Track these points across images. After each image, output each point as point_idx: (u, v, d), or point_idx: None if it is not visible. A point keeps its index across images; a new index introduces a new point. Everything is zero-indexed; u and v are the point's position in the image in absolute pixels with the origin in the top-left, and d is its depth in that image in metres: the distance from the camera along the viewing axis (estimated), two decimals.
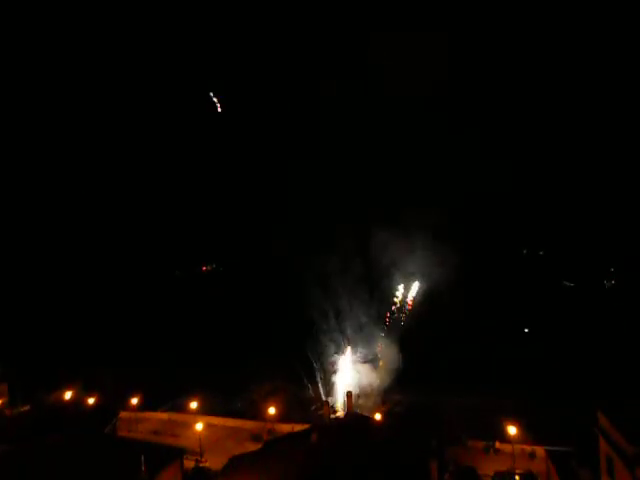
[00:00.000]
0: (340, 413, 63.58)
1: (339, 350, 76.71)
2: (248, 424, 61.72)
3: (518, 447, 49.07)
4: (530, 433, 51.06)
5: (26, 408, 57.54)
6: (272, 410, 60.09)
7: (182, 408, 64.66)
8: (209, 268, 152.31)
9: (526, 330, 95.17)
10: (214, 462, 48.67)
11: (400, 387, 69.49)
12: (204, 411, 63.23)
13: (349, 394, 59.02)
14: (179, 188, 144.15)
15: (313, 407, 64.34)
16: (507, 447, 49.63)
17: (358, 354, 75.94)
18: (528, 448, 50.68)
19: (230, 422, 63.01)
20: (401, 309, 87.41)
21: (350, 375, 72.99)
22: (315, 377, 75.26)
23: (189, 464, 47.57)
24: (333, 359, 74.56)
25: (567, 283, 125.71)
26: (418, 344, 78.23)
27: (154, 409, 67.11)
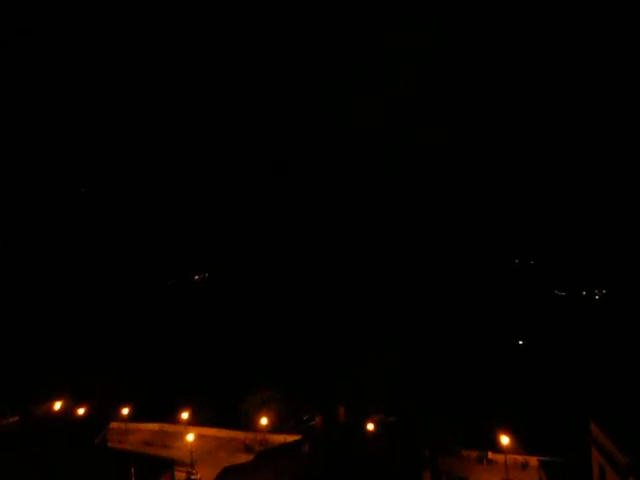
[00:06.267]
0: None
1: None
2: (240, 435, 61.21)
3: (511, 457, 49.10)
4: (523, 443, 51.16)
5: (15, 419, 56.71)
6: (264, 421, 59.72)
7: (173, 419, 64.08)
8: (201, 277, 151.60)
9: (520, 342, 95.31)
10: (206, 473, 48.18)
11: (394, 397, 69.43)
12: (196, 422, 62.71)
13: (341, 406, 58.78)
14: (173, 197, 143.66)
15: (305, 418, 63.91)
16: (500, 457, 49.62)
17: None
18: (521, 458, 50.72)
19: (222, 433, 62.46)
20: None
21: None
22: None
23: (180, 476, 47.05)
24: None
25: (558, 292, 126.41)
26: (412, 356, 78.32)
27: (145, 420, 66.44)
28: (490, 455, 52.23)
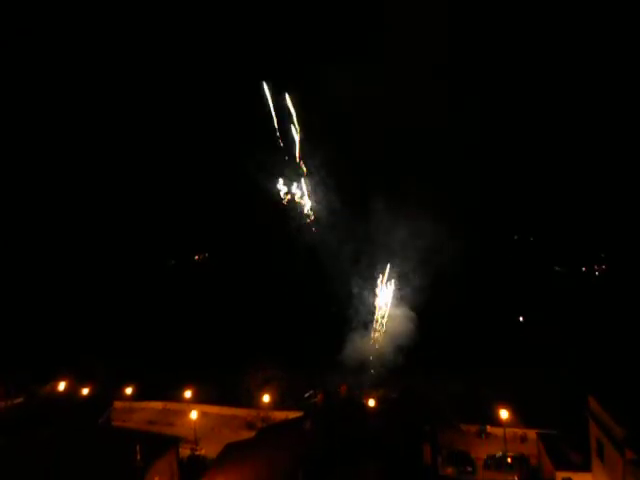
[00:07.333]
0: None
1: None
2: (242, 412, 62.15)
3: (510, 430, 49.87)
4: (521, 417, 51.94)
5: (19, 400, 57.39)
6: (266, 398, 60.50)
7: (177, 397, 64.84)
8: (201, 257, 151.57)
9: (521, 319, 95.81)
10: (209, 450, 48.99)
11: (394, 372, 70.19)
12: (199, 400, 63.46)
13: (342, 384, 59.45)
14: (170, 178, 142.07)
15: (306, 395, 64.65)
16: (499, 431, 50.43)
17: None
18: (519, 431, 51.60)
19: (225, 410, 63.42)
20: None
21: None
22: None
23: (184, 452, 47.80)
24: None
25: (558, 268, 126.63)
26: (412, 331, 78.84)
27: (148, 399, 67.23)
28: (489, 429, 53.16)
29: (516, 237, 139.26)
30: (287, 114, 75.29)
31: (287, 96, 75.00)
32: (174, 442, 40.75)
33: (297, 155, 77.24)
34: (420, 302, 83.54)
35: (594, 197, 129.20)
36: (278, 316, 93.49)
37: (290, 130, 76.43)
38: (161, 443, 39.19)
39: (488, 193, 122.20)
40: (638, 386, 36.11)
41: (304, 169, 78.24)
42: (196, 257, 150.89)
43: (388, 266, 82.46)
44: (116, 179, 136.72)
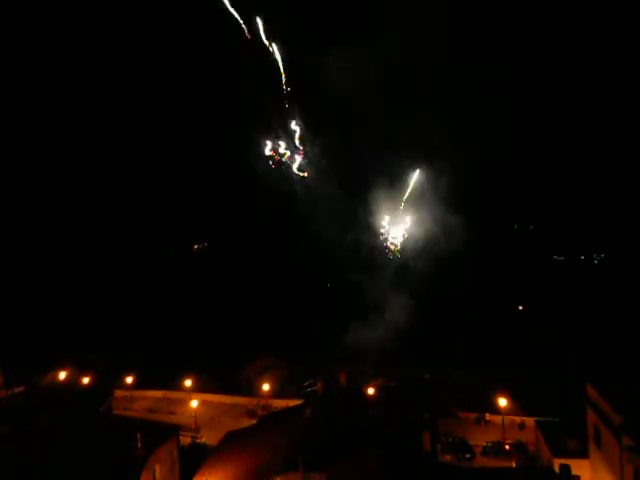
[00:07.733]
0: None
1: None
2: (243, 400, 62.56)
3: (508, 418, 50.26)
4: (520, 405, 52.34)
5: (20, 389, 57.60)
6: (266, 387, 60.85)
7: (177, 386, 65.17)
8: (201, 247, 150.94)
9: (520, 308, 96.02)
10: (210, 438, 49.36)
11: (394, 361, 70.50)
12: (199, 388, 63.84)
13: (342, 372, 59.65)
14: (168, 166, 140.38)
15: (306, 383, 64.95)
16: (497, 418, 50.80)
17: None
18: (518, 419, 51.97)
19: (225, 399, 63.85)
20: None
21: None
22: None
23: (185, 440, 48.06)
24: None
25: (557, 257, 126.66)
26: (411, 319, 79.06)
27: (149, 387, 67.56)
28: (488, 417, 53.54)
29: (516, 226, 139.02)
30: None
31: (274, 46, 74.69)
32: (174, 430, 40.86)
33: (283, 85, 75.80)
34: (420, 291, 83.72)
35: (593, 186, 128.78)
36: (278, 305, 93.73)
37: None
38: (162, 431, 39.30)
39: (488, 183, 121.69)
40: (635, 374, 36.31)
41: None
42: (195, 247, 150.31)
43: (417, 172, 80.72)
44: (110, 170, 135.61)
